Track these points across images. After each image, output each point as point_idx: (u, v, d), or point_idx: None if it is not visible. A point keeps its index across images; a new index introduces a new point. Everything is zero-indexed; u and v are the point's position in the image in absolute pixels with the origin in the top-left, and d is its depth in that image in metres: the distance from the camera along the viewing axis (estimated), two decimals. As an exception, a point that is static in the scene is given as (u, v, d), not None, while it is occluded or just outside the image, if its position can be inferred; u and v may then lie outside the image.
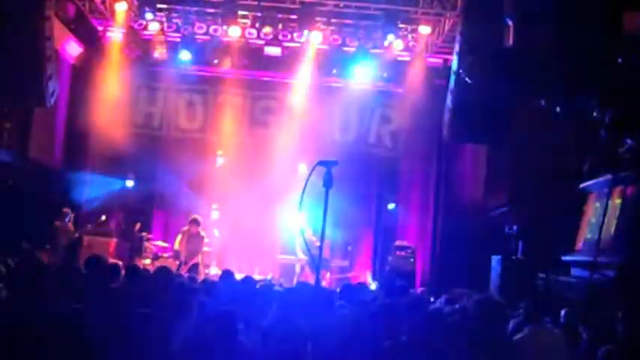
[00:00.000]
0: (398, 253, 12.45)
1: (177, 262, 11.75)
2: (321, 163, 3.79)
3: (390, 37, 12.77)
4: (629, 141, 7.57)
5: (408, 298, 5.37)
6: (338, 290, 7.21)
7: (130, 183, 13.77)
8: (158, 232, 13.74)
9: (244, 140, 13.91)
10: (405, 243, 12.94)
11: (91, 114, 12.92)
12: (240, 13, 12.85)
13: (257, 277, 11.30)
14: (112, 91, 13.20)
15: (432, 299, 6.96)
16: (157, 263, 11.86)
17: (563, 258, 8.44)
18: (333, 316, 4.97)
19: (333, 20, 13.02)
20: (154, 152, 13.72)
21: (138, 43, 13.27)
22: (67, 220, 11.51)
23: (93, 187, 13.21)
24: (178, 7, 12.96)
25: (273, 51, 13.34)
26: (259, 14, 12.91)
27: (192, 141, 13.86)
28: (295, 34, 12.92)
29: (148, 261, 11.82)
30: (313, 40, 12.87)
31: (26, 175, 11.46)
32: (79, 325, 4.33)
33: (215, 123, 13.95)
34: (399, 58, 13.31)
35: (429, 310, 4.99)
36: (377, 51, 13.07)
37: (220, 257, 13.32)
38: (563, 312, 5.88)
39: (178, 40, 13.15)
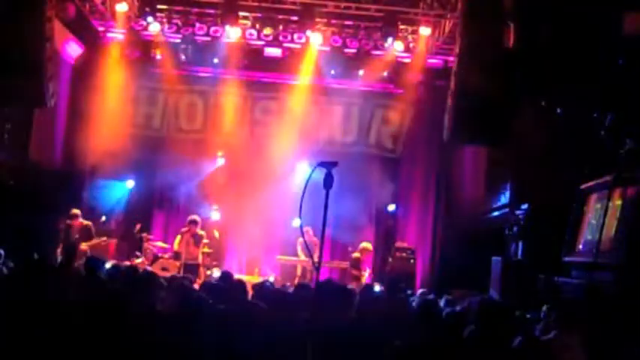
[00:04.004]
0: (398, 254, 12.45)
1: (178, 263, 11.76)
2: (321, 164, 3.79)
3: (390, 38, 12.76)
4: (629, 142, 7.57)
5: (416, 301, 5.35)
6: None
7: (130, 183, 13.77)
8: (158, 233, 13.74)
9: (244, 141, 13.91)
10: (405, 244, 12.94)
11: (91, 114, 12.92)
12: (241, 14, 12.86)
13: (257, 278, 11.35)
14: (112, 92, 13.20)
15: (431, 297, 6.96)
16: (157, 264, 11.88)
17: (564, 259, 8.43)
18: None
19: (334, 21, 13.03)
20: (154, 153, 13.71)
21: (138, 44, 13.27)
22: (78, 220, 11.46)
23: (93, 188, 13.20)
24: (179, 8, 12.97)
25: (274, 52, 13.34)
26: (260, 15, 12.91)
27: (192, 142, 13.86)
28: (295, 35, 12.92)
29: (139, 260, 11.80)
30: (313, 41, 12.87)
31: (26, 175, 11.45)
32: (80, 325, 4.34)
33: (215, 124, 13.95)
34: (400, 60, 13.32)
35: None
36: (377, 52, 13.08)
37: (220, 258, 13.33)
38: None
39: (179, 40, 13.16)
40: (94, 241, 11.40)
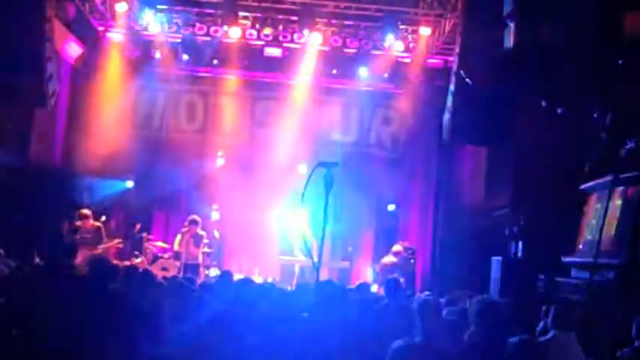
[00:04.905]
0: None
1: (178, 263, 11.77)
2: (321, 164, 3.79)
3: (391, 38, 12.77)
4: (629, 142, 7.57)
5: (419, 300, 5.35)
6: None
7: (130, 183, 13.77)
8: (158, 233, 13.74)
9: (245, 141, 13.91)
10: (405, 244, 12.93)
11: (91, 114, 12.93)
12: (241, 14, 12.86)
13: (257, 278, 11.36)
14: (112, 92, 13.20)
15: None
16: (157, 264, 11.90)
17: (564, 259, 8.43)
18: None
19: (334, 21, 13.02)
20: (154, 153, 13.71)
21: (138, 44, 13.27)
22: (89, 221, 11.48)
23: (93, 188, 13.20)
24: (179, 8, 12.97)
25: (274, 52, 13.34)
26: (260, 15, 12.91)
27: (192, 141, 13.86)
28: (295, 35, 12.92)
29: (139, 260, 11.81)
30: (313, 41, 12.87)
31: (26, 175, 11.45)
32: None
33: (215, 124, 13.96)
34: (400, 59, 13.32)
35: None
36: (377, 52, 13.08)
37: (220, 258, 13.34)
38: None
39: (179, 40, 13.16)
40: (110, 243, 11.49)
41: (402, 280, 11.74)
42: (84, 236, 11.12)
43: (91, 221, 11.33)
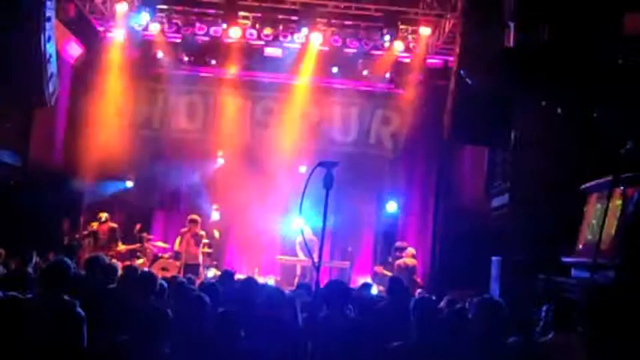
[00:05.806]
0: (398, 254, 12.43)
1: (178, 263, 11.77)
2: (321, 164, 3.79)
3: (390, 38, 12.77)
4: (629, 142, 7.57)
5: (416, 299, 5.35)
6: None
7: (130, 184, 13.77)
8: (158, 233, 13.74)
9: (245, 141, 13.92)
10: (405, 244, 12.92)
11: (91, 114, 12.93)
12: (241, 13, 12.87)
13: (257, 278, 11.36)
14: (112, 92, 13.20)
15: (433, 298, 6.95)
16: (157, 264, 11.89)
17: (564, 259, 8.42)
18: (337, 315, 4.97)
19: (334, 21, 13.04)
20: (154, 153, 13.72)
21: (138, 44, 13.28)
22: (107, 224, 11.58)
23: (93, 188, 13.20)
24: (179, 8, 12.98)
25: (274, 52, 13.35)
26: (260, 15, 12.92)
27: (192, 142, 13.87)
28: (296, 35, 12.94)
29: (141, 261, 11.84)
30: (314, 41, 12.88)
31: (26, 175, 11.45)
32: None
33: (215, 124, 13.96)
34: (400, 59, 13.33)
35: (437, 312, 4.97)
36: (377, 52, 13.09)
37: (220, 258, 13.34)
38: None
39: (179, 40, 13.16)
40: (127, 247, 11.64)
41: (419, 280, 11.86)
42: (99, 238, 11.25)
43: (109, 223, 11.52)
